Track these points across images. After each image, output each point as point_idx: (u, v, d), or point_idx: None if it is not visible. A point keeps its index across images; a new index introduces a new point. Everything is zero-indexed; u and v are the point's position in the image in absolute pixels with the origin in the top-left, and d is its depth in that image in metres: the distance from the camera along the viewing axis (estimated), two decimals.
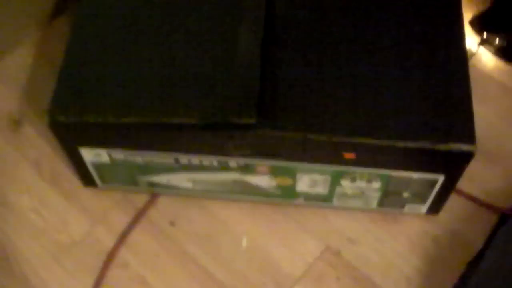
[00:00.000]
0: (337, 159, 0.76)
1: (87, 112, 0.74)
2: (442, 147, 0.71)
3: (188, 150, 0.77)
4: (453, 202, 0.87)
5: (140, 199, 0.90)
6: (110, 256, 0.86)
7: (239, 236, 0.87)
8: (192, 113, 0.72)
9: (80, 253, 0.87)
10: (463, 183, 0.87)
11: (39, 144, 0.96)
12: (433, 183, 0.78)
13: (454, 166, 0.75)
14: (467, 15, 1.05)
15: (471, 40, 1.04)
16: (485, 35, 1.04)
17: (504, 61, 1.02)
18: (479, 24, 1.05)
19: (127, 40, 0.78)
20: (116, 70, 0.76)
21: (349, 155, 0.74)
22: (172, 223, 0.88)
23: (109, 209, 0.90)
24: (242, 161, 0.78)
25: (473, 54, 1.03)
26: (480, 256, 0.84)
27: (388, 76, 0.76)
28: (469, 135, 0.71)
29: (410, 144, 0.71)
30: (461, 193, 0.89)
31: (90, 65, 0.77)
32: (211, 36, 0.77)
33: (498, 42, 1.03)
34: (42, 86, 1.01)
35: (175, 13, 0.80)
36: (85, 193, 0.91)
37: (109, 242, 0.87)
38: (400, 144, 0.71)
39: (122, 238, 0.87)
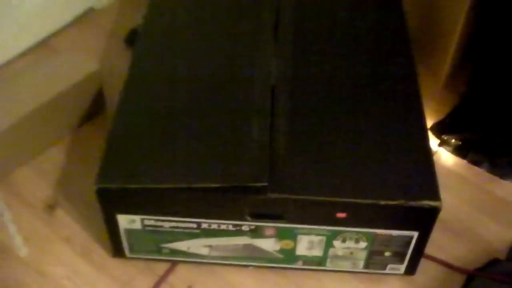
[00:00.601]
0: (331, 220, 0.93)
1: (129, 179, 0.91)
2: (415, 204, 0.89)
3: (208, 215, 0.94)
4: (428, 266, 1.04)
5: (161, 267, 1.05)
6: None
7: None
8: (216, 179, 0.90)
9: None
10: (435, 251, 1.05)
11: (70, 224, 1.11)
12: (409, 240, 0.96)
13: (425, 222, 0.93)
14: (428, 123, 1.28)
15: (432, 141, 1.26)
16: (443, 137, 1.26)
17: (461, 158, 1.24)
18: (438, 130, 1.28)
19: (165, 119, 0.99)
20: (154, 144, 0.95)
21: (341, 215, 0.92)
22: (189, 287, 1.03)
23: (134, 275, 1.04)
24: (253, 224, 0.95)
25: (434, 153, 1.24)
26: None
27: (371, 154, 0.96)
28: (435, 195, 0.90)
29: (390, 202, 0.89)
30: (433, 259, 1.06)
31: (132, 140, 0.96)
32: (231, 118, 0.98)
33: (454, 142, 1.25)
34: (72, 178, 1.18)
35: (201, 106, 1.02)
36: (113, 263, 1.05)
37: None
38: (382, 202, 0.90)
39: None
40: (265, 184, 0.89)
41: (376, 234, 0.95)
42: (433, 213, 0.91)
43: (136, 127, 0.99)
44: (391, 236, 0.95)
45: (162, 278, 1.03)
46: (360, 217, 0.93)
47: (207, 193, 0.90)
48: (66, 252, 1.07)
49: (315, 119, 1.00)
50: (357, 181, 0.92)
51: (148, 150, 0.95)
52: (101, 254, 1.07)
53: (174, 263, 1.05)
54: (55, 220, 1.12)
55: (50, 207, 1.14)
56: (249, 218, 0.93)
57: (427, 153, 0.97)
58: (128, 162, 0.94)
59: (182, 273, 1.04)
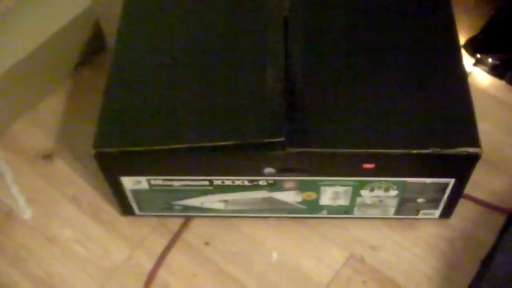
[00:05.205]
0: (358, 171, 0.84)
1: (129, 141, 0.82)
2: (451, 151, 0.79)
3: (222, 172, 0.85)
4: (464, 206, 0.95)
5: (175, 223, 0.97)
6: (151, 278, 0.93)
7: (269, 251, 0.94)
8: (227, 136, 0.80)
9: (123, 277, 0.94)
10: (472, 189, 0.95)
11: (76, 180, 1.03)
12: (444, 187, 0.86)
13: (462, 169, 0.83)
14: (461, 40, 1.15)
15: (466, 61, 1.13)
16: (478, 56, 1.14)
17: (498, 79, 1.12)
18: (471, 47, 1.15)
19: (164, 73, 0.88)
20: (155, 101, 0.85)
21: (368, 166, 0.82)
22: (206, 243, 0.96)
23: (146, 234, 0.97)
24: (272, 178, 0.86)
25: (469, 74, 1.12)
26: (492, 254, 0.92)
27: (399, 95, 0.85)
28: (474, 140, 0.80)
29: (423, 151, 0.79)
30: (470, 198, 0.97)
31: (129, 98, 0.86)
32: (240, 70, 0.87)
33: (491, 61, 1.13)
34: (71, 128, 1.09)
35: (207, 52, 0.90)
36: (123, 222, 0.98)
37: (148, 265, 0.94)
38: (414, 151, 0.79)
39: (161, 260, 0.94)
40: (283, 139, 0.79)
41: (407, 183, 0.86)
42: (472, 159, 0.81)
43: (135, 83, 0.88)
44: (424, 184, 0.86)
45: (177, 235, 0.96)
46: (390, 167, 0.83)
47: (218, 151, 0.81)
48: (74, 213, 1.00)
49: (333, 58, 0.89)
50: (384, 129, 0.81)
51: (149, 108, 0.85)
52: (110, 213, 0.99)
53: (188, 218, 0.97)
54: (59, 177, 1.04)
55: (48, 157, 1.05)
56: (266, 173, 0.84)
57: (463, 88, 0.86)
58: (128, 123, 0.84)
59: (198, 229, 0.97)
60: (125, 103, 0.86)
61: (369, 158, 0.81)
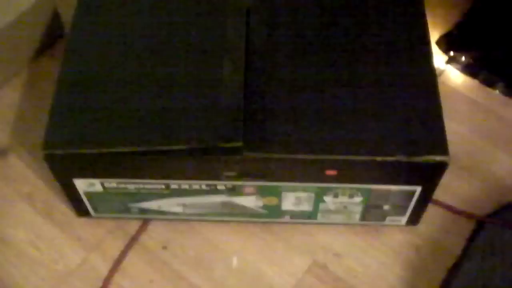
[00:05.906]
0: (320, 177, 0.80)
1: (81, 144, 0.77)
2: (417, 159, 0.75)
3: (178, 176, 0.81)
4: (432, 212, 0.92)
5: (132, 225, 0.93)
6: (106, 283, 0.89)
7: (229, 256, 0.91)
8: (181, 140, 0.76)
9: (77, 282, 0.89)
10: (440, 194, 0.91)
11: (30, 178, 0.98)
12: (411, 194, 0.83)
13: (429, 177, 0.79)
14: (433, 36, 1.11)
15: (439, 59, 1.10)
16: (451, 53, 1.10)
17: (471, 78, 1.08)
18: (445, 44, 1.11)
19: (116, 72, 0.83)
20: (107, 102, 0.80)
21: (331, 172, 0.79)
22: (164, 247, 0.92)
23: (103, 237, 0.93)
24: (230, 183, 0.82)
25: (441, 72, 1.09)
26: (459, 262, 0.89)
27: (362, 96, 0.81)
28: (442, 147, 0.76)
29: (388, 159, 0.76)
30: (438, 203, 0.93)
31: (81, 97, 0.81)
32: (196, 67, 0.82)
33: (464, 60, 1.09)
34: (27, 121, 1.04)
35: (162, 46, 0.85)
36: (79, 223, 0.94)
37: (104, 269, 0.90)
38: (378, 159, 0.76)
39: (116, 264, 0.90)
40: (240, 144, 0.75)
41: (372, 190, 0.82)
42: (440, 168, 0.77)
43: (88, 81, 0.83)
44: (389, 191, 0.82)
45: (134, 239, 0.92)
46: (354, 174, 0.80)
47: (173, 155, 0.77)
48: (28, 212, 0.96)
49: (298, 54, 0.84)
50: (348, 134, 0.77)
51: (102, 108, 0.80)
52: (65, 213, 0.95)
53: (146, 221, 0.93)
54: (13, 175, 0.99)
55: (1, 153, 1.00)
56: (224, 178, 0.80)
57: (431, 88, 0.81)
58: (80, 123, 0.79)
59: (156, 232, 0.93)
60: (77, 102, 0.81)
61: (331, 164, 0.78)
